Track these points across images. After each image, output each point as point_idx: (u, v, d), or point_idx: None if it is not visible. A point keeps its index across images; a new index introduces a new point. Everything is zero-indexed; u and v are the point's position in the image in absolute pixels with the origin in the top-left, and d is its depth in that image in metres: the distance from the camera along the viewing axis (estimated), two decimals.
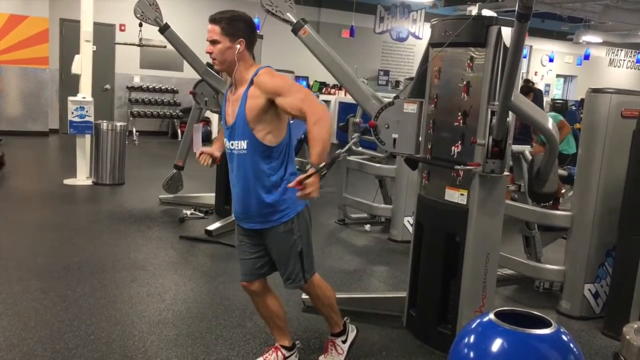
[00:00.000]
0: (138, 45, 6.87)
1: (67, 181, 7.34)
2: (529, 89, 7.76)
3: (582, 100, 12.57)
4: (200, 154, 2.99)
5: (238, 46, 2.65)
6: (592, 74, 18.77)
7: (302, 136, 7.49)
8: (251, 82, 2.66)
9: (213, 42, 2.66)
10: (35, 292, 3.87)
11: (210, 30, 2.66)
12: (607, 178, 3.91)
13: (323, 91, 13.49)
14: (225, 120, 2.79)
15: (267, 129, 2.67)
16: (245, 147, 2.69)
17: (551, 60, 17.88)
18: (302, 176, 2.45)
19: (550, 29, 16.62)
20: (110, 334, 3.34)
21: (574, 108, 13.42)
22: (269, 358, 3.01)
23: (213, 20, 2.66)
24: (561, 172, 4.56)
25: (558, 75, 19.13)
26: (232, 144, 2.75)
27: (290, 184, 2.50)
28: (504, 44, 3.02)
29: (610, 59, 19.81)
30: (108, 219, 5.80)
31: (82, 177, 7.41)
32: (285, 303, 3.81)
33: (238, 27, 2.65)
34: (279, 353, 3.01)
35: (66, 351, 3.11)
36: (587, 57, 17.11)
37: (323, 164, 2.48)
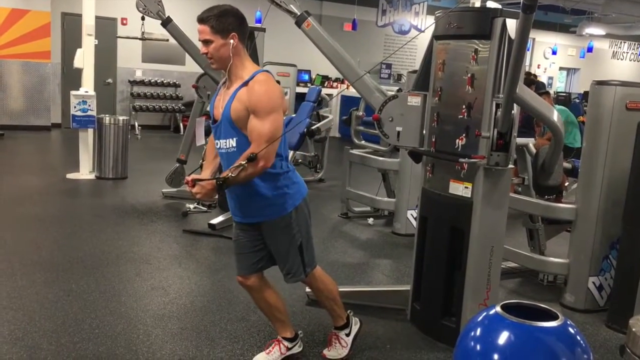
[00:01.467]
0: (140, 39, 6.85)
1: (70, 175, 7.34)
2: (530, 81, 7.72)
3: (586, 93, 12.52)
4: (189, 181, 2.62)
5: (232, 41, 2.60)
6: (595, 66, 18.71)
7: (305, 130, 7.50)
8: (245, 83, 2.61)
9: (206, 42, 2.61)
10: (39, 286, 3.88)
11: (200, 31, 2.61)
12: (612, 170, 3.90)
13: (325, 85, 13.45)
14: (213, 115, 2.75)
15: None
16: (234, 145, 2.65)
17: (554, 53, 17.80)
18: (197, 176, 2.58)
19: (554, 22, 16.54)
20: (115, 327, 3.35)
21: (577, 101, 13.38)
22: (272, 352, 3.00)
23: (201, 20, 2.61)
24: (565, 164, 4.54)
25: (561, 68, 19.06)
26: (219, 143, 2.71)
27: (186, 178, 2.58)
28: (509, 36, 3.00)
29: (614, 51, 19.72)
30: (111, 213, 5.80)
31: (85, 172, 7.41)
32: (288, 296, 3.83)
33: (228, 22, 2.60)
34: (282, 345, 3.01)
35: (71, 345, 3.11)
36: (590, 49, 17.03)
37: (223, 181, 2.52)
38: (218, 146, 2.73)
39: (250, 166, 2.52)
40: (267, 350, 3.02)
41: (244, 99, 2.58)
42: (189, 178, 2.58)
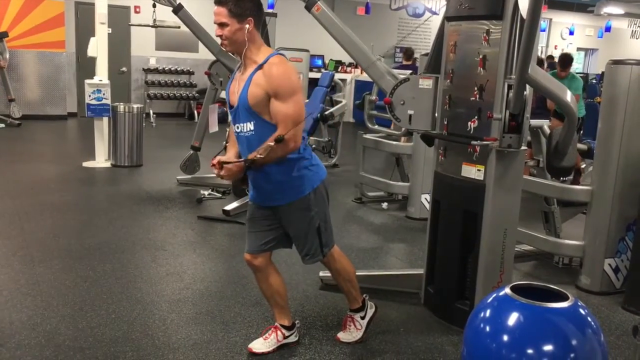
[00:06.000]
0: (152, 27, 6.87)
1: (86, 163, 7.42)
2: (550, 64, 7.64)
3: (603, 73, 12.28)
4: (215, 164, 2.68)
5: (247, 26, 2.61)
6: (613, 46, 18.36)
7: (318, 115, 7.49)
8: (260, 67, 2.62)
9: (221, 25, 2.62)
10: (57, 272, 3.94)
11: (217, 13, 2.61)
12: (628, 151, 3.85)
13: (339, 70, 13.37)
14: (229, 100, 2.77)
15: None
16: (252, 129, 2.67)
17: (571, 33, 17.51)
18: (224, 158, 2.64)
19: (571, 1, 16.25)
20: (131, 312, 3.40)
21: (594, 82, 13.17)
22: (269, 338, 3.01)
23: (219, 2, 2.61)
24: (581, 146, 4.49)
25: (579, 49, 18.74)
26: (237, 127, 2.73)
27: (212, 161, 2.64)
28: (521, 16, 2.96)
29: (633, 30, 19.33)
30: (127, 201, 5.85)
31: (101, 160, 7.48)
32: (302, 281, 3.85)
33: (245, 7, 2.61)
34: (279, 332, 3.02)
35: (89, 329, 3.16)
36: (608, 29, 16.72)
37: (251, 162, 2.59)
38: (236, 130, 2.75)
39: (280, 148, 2.56)
40: (265, 336, 3.02)
41: (262, 83, 2.59)
42: (215, 161, 2.63)
